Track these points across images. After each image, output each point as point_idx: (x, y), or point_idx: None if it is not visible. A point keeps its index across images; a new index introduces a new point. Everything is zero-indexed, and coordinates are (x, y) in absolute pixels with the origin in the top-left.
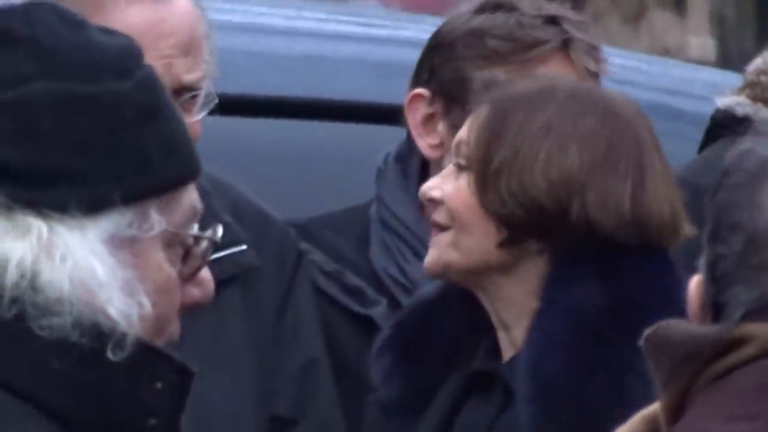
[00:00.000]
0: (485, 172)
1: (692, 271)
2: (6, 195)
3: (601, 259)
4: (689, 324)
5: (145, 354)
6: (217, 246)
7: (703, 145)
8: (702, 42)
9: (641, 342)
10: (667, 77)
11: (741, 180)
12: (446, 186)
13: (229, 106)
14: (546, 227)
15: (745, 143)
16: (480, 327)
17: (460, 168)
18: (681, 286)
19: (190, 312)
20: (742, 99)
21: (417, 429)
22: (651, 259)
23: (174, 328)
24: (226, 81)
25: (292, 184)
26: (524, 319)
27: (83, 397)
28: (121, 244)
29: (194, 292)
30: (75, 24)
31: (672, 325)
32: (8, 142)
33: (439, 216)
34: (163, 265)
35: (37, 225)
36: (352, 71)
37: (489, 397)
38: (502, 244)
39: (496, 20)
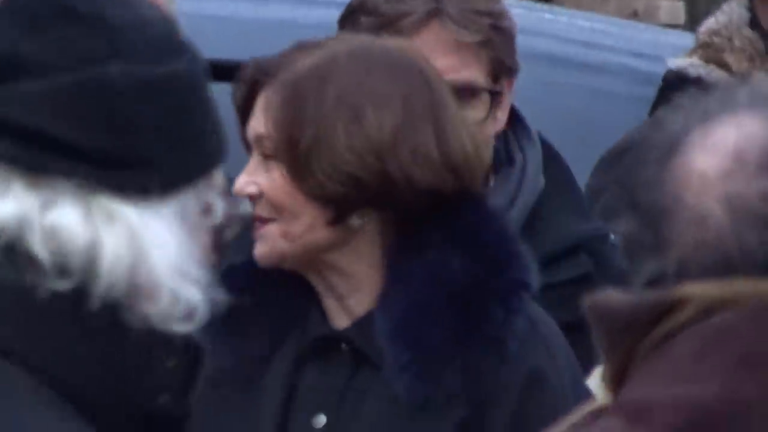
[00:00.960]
0: (295, 158)
1: None
2: (82, 176)
3: (445, 219)
4: (629, 292)
5: (160, 332)
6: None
7: (655, 106)
8: (671, 5)
9: (585, 311)
10: (636, 40)
11: (645, 157)
12: (259, 179)
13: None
14: (371, 196)
15: (662, 113)
16: (301, 296)
17: (267, 158)
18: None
19: None
20: (695, 60)
21: (254, 397)
22: (486, 208)
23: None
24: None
25: None
26: (364, 288)
27: (95, 371)
28: (182, 227)
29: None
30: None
31: (612, 294)
32: (83, 124)
33: (262, 210)
34: (205, 240)
35: (109, 206)
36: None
37: (334, 361)
38: (331, 224)
39: None
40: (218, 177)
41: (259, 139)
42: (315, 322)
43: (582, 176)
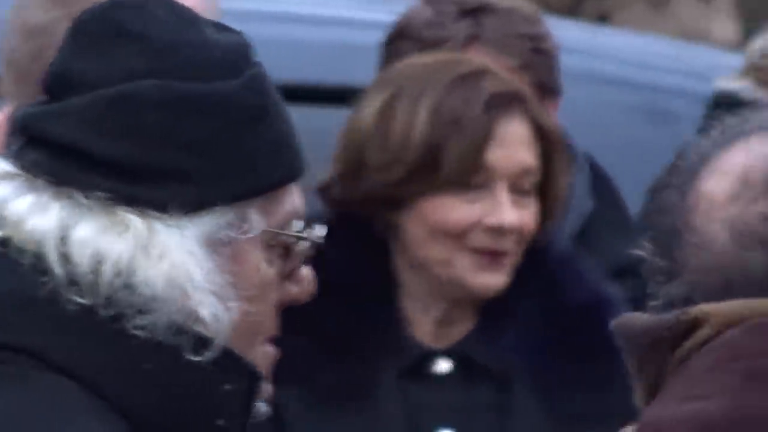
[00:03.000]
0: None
1: None
2: (107, 190)
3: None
4: (651, 314)
5: (222, 357)
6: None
7: (703, 128)
8: (727, 27)
9: (613, 332)
10: (693, 61)
11: (667, 183)
12: (521, 214)
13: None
14: None
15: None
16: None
17: (525, 193)
18: None
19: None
20: (747, 83)
21: (368, 416)
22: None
23: (270, 326)
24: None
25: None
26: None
27: (156, 394)
28: (220, 245)
29: (293, 290)
30: (187, 19)
31: (636, 316)
32: (113, 137)
33: (508, 244)
34: (261, 266)
35: (136, 222)
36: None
37: (467, 378)
38: None
39: (418, 16)
40: (289, 201)
41: (527, 172)
42: (406, 339)
43: (637, 200)
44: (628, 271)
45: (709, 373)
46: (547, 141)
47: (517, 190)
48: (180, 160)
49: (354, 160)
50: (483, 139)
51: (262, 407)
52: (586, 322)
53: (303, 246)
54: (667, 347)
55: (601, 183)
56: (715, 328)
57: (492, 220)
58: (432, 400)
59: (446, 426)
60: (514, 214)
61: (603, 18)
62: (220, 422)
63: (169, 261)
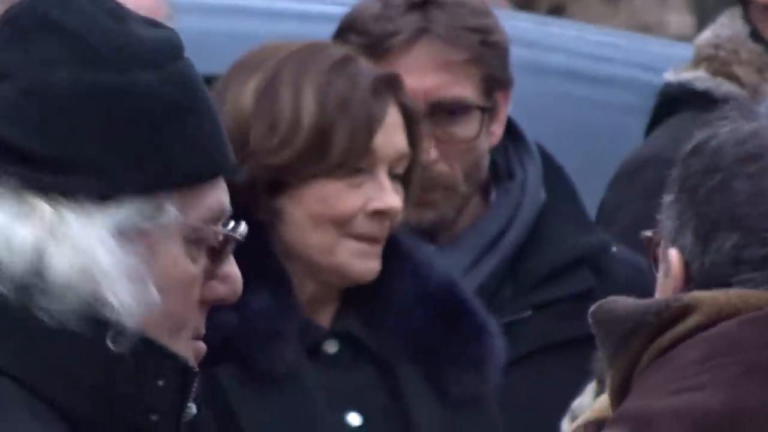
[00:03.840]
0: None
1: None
2: (19, 178)
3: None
4: (635, 298)
5: (150, 350)
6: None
7: (654, 119)
8: (681, 18)
9: (590, 318)
10: (646, 54)
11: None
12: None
13: None
14: None
15: (737, 124)
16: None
17: (397, 177)
18: None
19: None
20: (701, 73)
21: (295, 398)
22: None
23: (195, 324)
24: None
25: None
26: None
27: (84, 389)
28: (133, 235)
29: (219, 289)
30: (115, 13)
31: (619, 300)
32: (25, 126)
33: (385, 230)
34: (180, 260)
35: (46, 210)
36: None
37: (354, 359)
38: None
39: (366, 9)
40: (213, 197)
41: (403, 156)
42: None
43: (588, 189)
44: (583, 262)
45: (702, 365)
46: (414, 126)
47: (391, 174)
48: (90, 149)
49: (236, 145)
50: (371, 122)
51: (192, 408)
52: (451, 304)
53: (228, 244)
54: (646, 335)
55: (553, 174)
56: (707, 318)
57: (378, 204)
58: (328, 381)
59: (351, 409)
60: (396, 197)
61: (557, 10)
62: (155, 418)
63: (78, 248)
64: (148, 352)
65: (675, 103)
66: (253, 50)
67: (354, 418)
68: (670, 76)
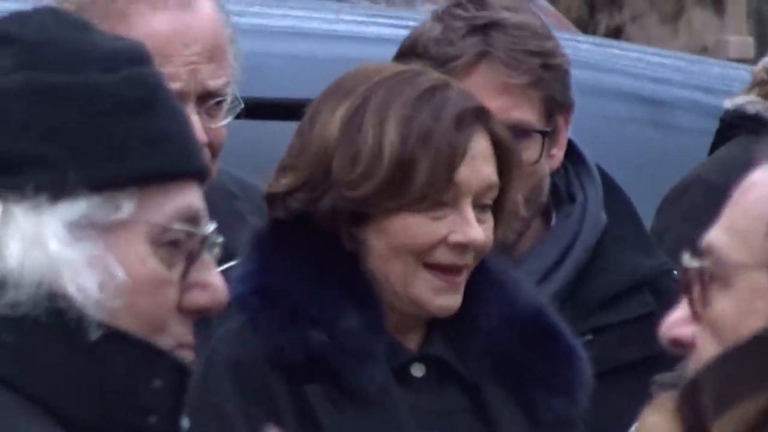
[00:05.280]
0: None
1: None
2: None
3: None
4: None
5: (140, 351)
6: (228, 254)
7: (714, 145)
8: (740, 40)
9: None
10: (706, 76)
11: None
12: (483, 230)
13: (260, 109)
14: None
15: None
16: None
17: (485, 208)
18: None
19: (200, 317)
20: (752, 97)
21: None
22: None
23: (178, 333)
24: (257, 85)
25: None
26: None
27: (73, 389)
28: (88, 229)
29: (201, 297)
30: (75, 26)
31: None
32: None
33: (469, 259)
34: (149, 260)
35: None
36: None
37: (440, 383)
38: None
39: (427, 32)
40: (181, 198)
41: (491, 188)
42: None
43: (648, 211)
44: (644, 285)
45: None
46: (504, 156)
47: (477, 206)
48: (40, 146)
49: (319, 173)
50: (454, 155)
51: (185, 422)
52: (539, 328)
53: (203, 248)
54: None
55: (613, 196)
56: None
57: (459, 237)
58: (416, 403)
59: (439, 431)
60: (479, 230)
61: (617, 31)
62: (152, 420)
63: (28, 240)
64: (141, 353)
65: (730, 128)
66: (349, 73)
67: None
68: (728, 103)
